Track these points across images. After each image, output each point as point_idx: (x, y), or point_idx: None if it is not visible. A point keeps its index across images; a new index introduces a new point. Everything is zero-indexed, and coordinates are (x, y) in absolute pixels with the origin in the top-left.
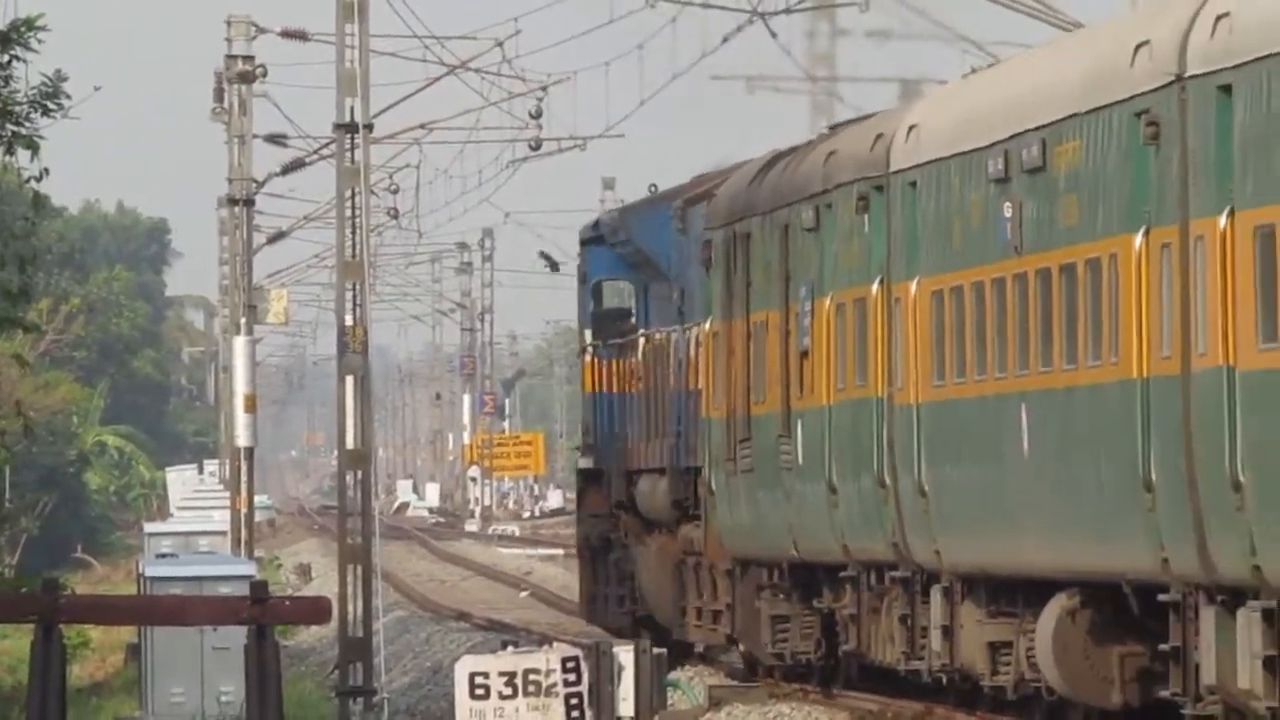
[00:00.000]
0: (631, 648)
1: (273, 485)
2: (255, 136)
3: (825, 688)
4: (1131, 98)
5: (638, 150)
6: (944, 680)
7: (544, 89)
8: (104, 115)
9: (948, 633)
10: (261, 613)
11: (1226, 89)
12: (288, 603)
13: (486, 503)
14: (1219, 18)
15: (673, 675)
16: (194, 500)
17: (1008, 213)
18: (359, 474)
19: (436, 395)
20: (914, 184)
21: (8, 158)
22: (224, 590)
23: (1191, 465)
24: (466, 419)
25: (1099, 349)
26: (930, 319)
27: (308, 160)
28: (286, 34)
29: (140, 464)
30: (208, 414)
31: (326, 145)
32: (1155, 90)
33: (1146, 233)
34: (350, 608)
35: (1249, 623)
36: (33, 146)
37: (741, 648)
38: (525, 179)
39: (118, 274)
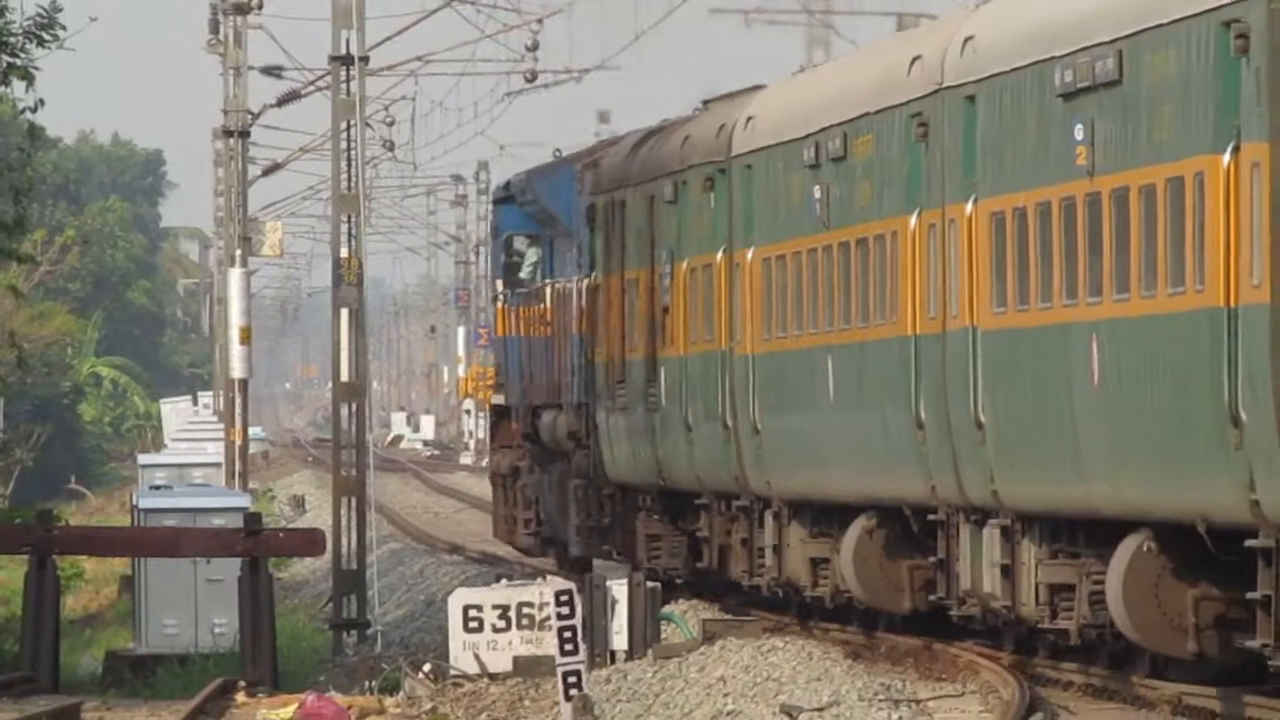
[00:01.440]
0: (625, 581)
1: (267, 417)
2: (251, 68)
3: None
4: (908, 101)
5: (634, 83)
6: (779, 593)
7: (539, 21)
8: (99, 46)
9: (778, 551)
10: (255, 545)
11: (971, 99)
12: (281, 535)
13: (481, 435)
14: (967, 39)
15: (666, 609)
16: (188, 432)
17: (818, 194)
18: (354, 406)
19: (431, 328)
20: (750, 167)
21: (3, 88)
22: (218, 522)
23: (948, 408)
24: (461, 352)
25: (884, 310)
26: (762, 283)
27: (303, 92)
28: None
29: (135, 395)
30: (202, 346)
31: (322, 77)
32: (925, 96)
33: (919, 214)
34: (344, 540)
35: (991, 538)
36: (28, 77)
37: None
38: (521, 112)
39: (112, 205)
